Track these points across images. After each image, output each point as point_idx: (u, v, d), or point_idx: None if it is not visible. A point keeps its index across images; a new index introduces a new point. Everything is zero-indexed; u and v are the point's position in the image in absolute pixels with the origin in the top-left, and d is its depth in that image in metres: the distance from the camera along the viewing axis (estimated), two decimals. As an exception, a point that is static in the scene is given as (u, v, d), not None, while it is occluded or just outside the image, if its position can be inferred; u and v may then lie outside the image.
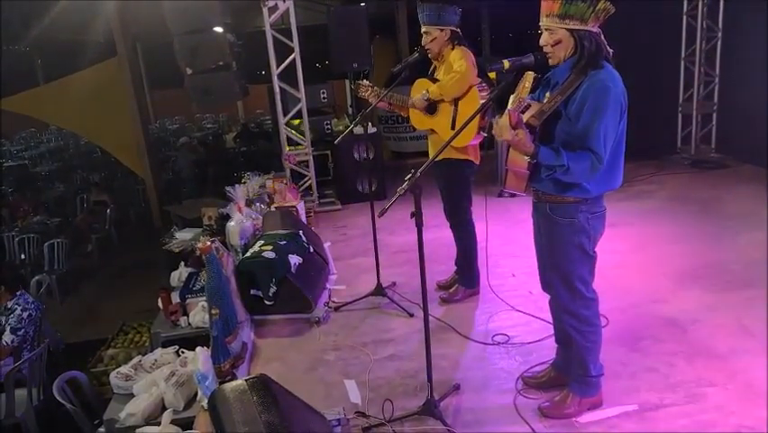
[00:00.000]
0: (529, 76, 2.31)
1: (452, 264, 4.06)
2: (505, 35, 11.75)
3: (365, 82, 3.87)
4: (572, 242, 2.42)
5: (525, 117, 2.29)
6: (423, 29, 3.56)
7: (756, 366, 2.88)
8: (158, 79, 15.08)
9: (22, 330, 4.10)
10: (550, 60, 2.36)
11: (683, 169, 6.88)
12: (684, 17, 7.18)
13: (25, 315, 4.14)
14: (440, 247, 4.47)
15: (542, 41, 2.34)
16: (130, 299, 6.42)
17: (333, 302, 4.06)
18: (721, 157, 7.09)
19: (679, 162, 7.12)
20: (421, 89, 3.68)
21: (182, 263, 4.19)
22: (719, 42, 7.04)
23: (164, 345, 3.29)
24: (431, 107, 3.65)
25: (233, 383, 2.12)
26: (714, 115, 7.30)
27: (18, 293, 4.23)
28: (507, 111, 2.26)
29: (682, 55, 7.32)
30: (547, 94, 2.37)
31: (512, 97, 2.32)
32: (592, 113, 2.22)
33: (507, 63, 2.38)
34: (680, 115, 7.52)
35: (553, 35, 2.28)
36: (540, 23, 2.32)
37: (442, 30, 3.51)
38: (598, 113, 2.21)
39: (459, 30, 3.56)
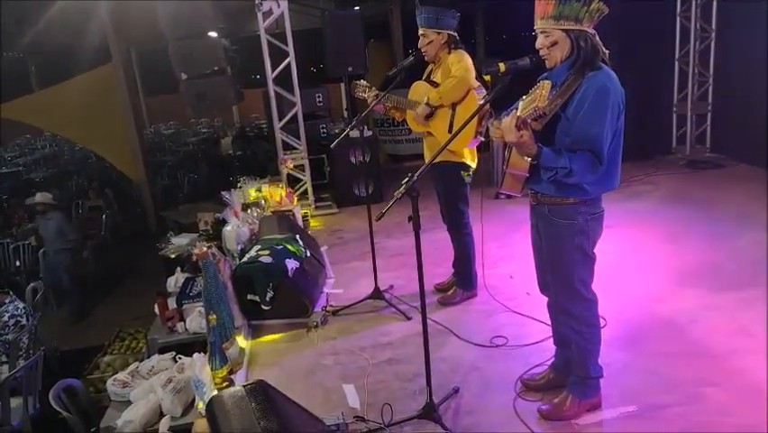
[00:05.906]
0: (546, 84, 2.21)
1: (449, 267, 4.05)
2: (499, 37, 11.78)
3: (362, 82, 3.84)
4: (572, 243, 2.41)
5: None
6: (420, 31, 3.55)
7: (755, 366, 2.88)
8: (153, 84, 15.05)
9: (3, 336, 3.99)
10: (546, 63, 2.36)
11: (678, 169, 6.90)
12: (678, 18, 7.22)
13: (12, 321, 4.04)
14: (437, 250, 4.45)
15: (538, 44, 2.33)
16: (126, 306, 6.38)
17: (331, 306, 4.04)
18: (716, 157, 7.11)
19: (674, 163, 7.15)
20: (419, 91, 3.67)
21: (178, 269, 4.17)
22: (713, 43, 7.08)
23: (161, 352, 3.28)
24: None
25: (231, 389, 2.11)
26: (708, 115, 7.33)
27: (8, 300, 4.15)
28: (512, 113, 2.23)
29: (676, 56, 7.35)
30: None
31: (522, 103, 2.26)
32: (592, 114, 2.22)
33: (502, 66, 2.34)
34: (674, 116, 7.57)
35: (549, 37, 2.29)
36: (535, 27, 2.32)
37: (439, 33, 3.50)
38: (598, 114, 2.22)
39: (456, 34, 3.55)
